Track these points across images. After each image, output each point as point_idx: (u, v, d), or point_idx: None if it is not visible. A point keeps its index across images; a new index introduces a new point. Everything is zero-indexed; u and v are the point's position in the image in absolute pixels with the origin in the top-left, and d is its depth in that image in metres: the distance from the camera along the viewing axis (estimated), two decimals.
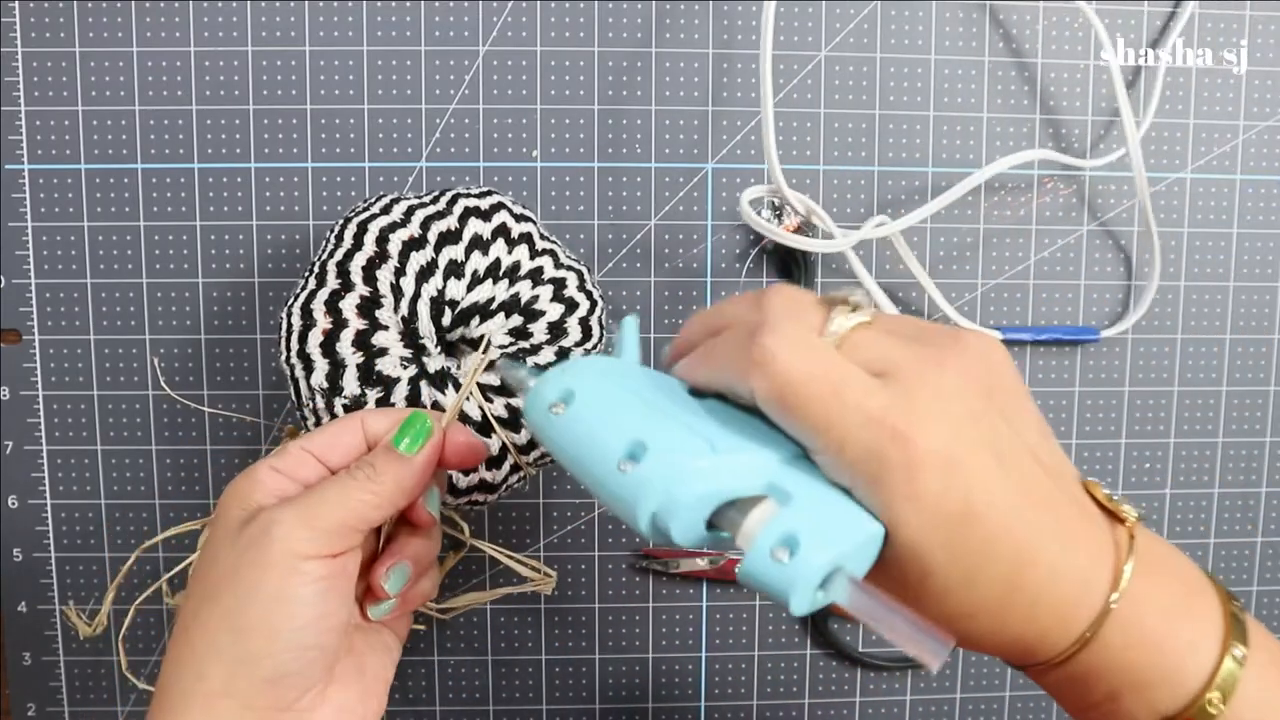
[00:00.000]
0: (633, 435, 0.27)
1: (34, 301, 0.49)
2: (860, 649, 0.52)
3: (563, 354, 0.42)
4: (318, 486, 0.32)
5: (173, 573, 0.48)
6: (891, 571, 0.26)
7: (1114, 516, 0.27)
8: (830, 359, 0.26)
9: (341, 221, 0.41)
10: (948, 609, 0.26)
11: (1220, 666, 0.25)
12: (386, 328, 0.39)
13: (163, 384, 0.49)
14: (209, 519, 0.46)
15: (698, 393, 0.30)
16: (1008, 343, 0.50)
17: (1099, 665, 0.26)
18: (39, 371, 0.49)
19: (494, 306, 0.40)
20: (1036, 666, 0.27)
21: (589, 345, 0.43)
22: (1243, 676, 0.25)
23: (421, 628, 0.51)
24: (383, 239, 0.40)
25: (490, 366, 0.40)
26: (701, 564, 0.51)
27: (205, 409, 0.49)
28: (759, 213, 0.49)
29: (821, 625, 0.51)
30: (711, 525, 0.27)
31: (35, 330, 0.49)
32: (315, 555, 0.31)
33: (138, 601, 0.48)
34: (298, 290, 0.41)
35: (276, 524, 0.31)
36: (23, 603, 0.50)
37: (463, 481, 0.41)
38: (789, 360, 0.26)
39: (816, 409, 0.26)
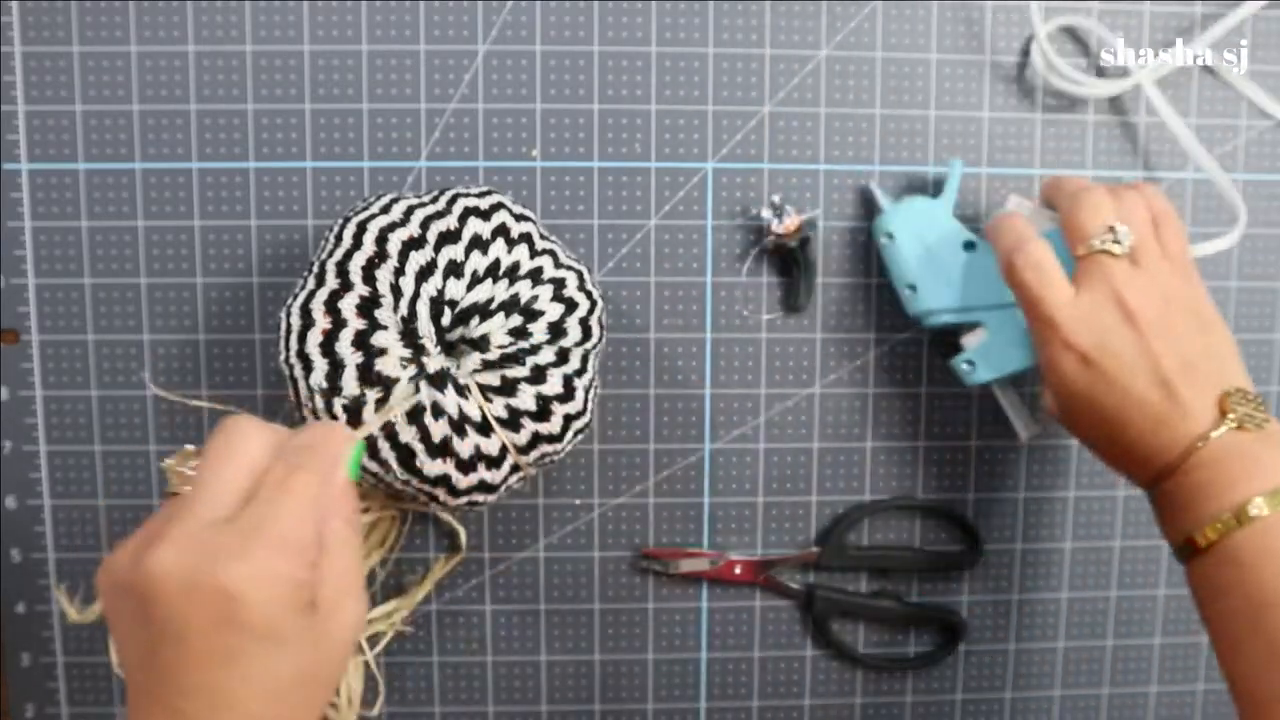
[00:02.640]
0: (913, 279, 0.47)
1: (33, 301, 0.49)
2: (860, 649, 0.52)
3: (562, 355, 0.42)
4: None
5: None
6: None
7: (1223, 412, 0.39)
8: (1051, 277, 0.41)
9: (341, 221, 0.41)
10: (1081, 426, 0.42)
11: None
12: (386, 327, 0.39)
13: (151, 386, 0.49)
14: None
15: (970, 244, 0.47)
16: None
17: (1207, 457, 0.38)
18: (37, 371, 0.49)
19: (493, 306, 0.40)
20: (1155, 478, 0.40)
21: (589, 345, 0.43)
22: None
23: (413, 629, 0.51)
24: (382, 239, 0.40)
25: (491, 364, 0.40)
26: (701, 564, 0.51)
27: (204, 404, 0.49)
28: (758, 212, 0.49)
29: (822, 625, 0.51)
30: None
31: (34, 330, 0.49)
32: None
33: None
34: (297, 290, 0.41)
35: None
36: (21, 603, 0.50)
37: (463, 482, 0.41)
38: (1023, 266, 0.41)
39: (1026, 296, 0.42)
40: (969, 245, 0.47)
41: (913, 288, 0.47)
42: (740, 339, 0.50)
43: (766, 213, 0.48)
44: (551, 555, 0.51)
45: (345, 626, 0.32)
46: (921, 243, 0.47)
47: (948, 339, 0.49)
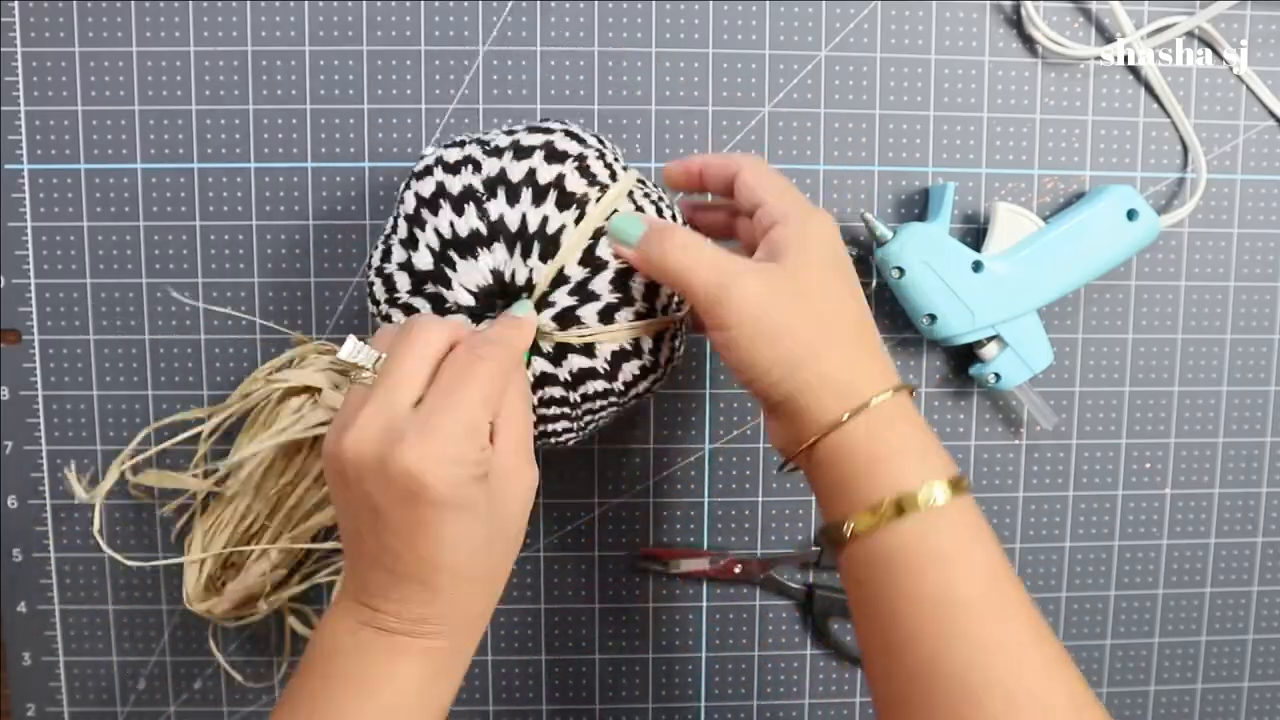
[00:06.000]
0: (930, 309, 0.48)
1: (34, 301, 0.49)
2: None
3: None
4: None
5: (132, 461, 0.48)
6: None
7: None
8: (709, 249, 0.37)
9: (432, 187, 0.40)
10: (758, 354, 0.35)
11: (927, 482, 0.34)
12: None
13: (150, 389, 0.49)
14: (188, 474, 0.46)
15: (978, 265, 0.47)
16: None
17: (845, 446, 0.35)
18: (39, 371, 0.49)
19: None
20: (802, 452, 0.36)
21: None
22: (946, 503, 0.34)
23: None
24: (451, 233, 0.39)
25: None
26: (701, 564, 0.51)
27: (205, 404, 0.49)
28: None
29: (821, 625, 0.51)
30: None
31: (35, 330, 0.49)
32: None
33: (119, 459, 0.48)
34: (386, 234, 0.41)
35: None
36: (22, 603, 0.50)
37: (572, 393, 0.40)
38: (677, 248, 0.37)
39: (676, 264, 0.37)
40: (976, 266, 0.47)
41: (932, 317, 0.48)
42: None
43: None
44: (552, 554, 0.51)
45: (519, 489, 0.36)
46: (933, 272, 0.47)
47: (960, 348, 0.49)
